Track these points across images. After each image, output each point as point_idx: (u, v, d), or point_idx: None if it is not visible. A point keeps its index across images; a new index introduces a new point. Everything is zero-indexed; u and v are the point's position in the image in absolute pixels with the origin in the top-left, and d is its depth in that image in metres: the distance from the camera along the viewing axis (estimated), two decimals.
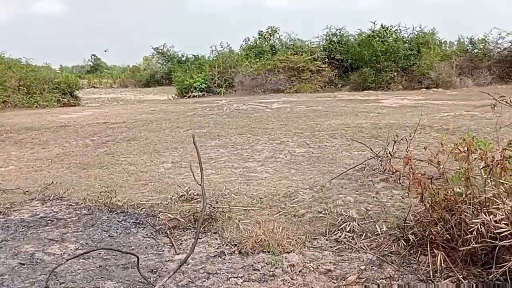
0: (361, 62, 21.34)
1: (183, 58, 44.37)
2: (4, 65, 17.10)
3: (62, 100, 18.88)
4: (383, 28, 22.22)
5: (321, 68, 20.94)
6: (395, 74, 19.66)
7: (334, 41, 22.63)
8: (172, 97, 22.59)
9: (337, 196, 3.96)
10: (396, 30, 21.88)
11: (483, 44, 20.99)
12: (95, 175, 5.12)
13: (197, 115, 9.82)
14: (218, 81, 21.35)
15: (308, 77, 20.47)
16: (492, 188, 2.72)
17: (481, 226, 2.46)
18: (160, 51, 46.89)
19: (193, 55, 40.86)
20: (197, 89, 20.88)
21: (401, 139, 4.69)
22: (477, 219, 2.50)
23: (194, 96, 20.60)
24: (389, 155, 4.66)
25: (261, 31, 24.99)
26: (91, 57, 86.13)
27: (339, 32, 22.93)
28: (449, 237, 2.72)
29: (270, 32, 25.06)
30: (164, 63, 47.07)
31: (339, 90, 21.05)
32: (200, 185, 3.20)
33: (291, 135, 7.00)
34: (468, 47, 21.37)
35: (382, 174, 4.65)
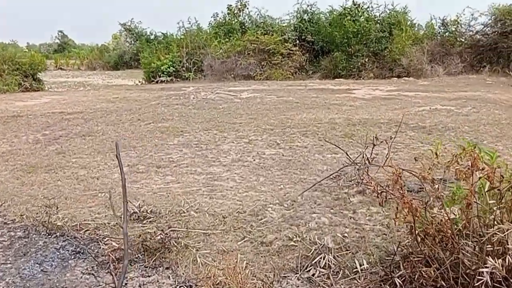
0: (332, 45, 20.80)
1: (152, 37, 43.08)
2: None
3: (24, 84, 17.76)
4: (355, 5, 21.63)
5: (292, 52, 20.40)
6: (367, 60, 19.28)
7: (305, 19, 21.94)
8: (140, 81, 21.70)
9: (310, 217, 3.52)
10: (368, 7, 21.35)
11: (455, 26, 20.56)
12: (40, 181, 4.52)
13: (161, 104, 9.19)
14: (187, 64, 20.56)
15: (279, 62, 19.90)
16: (500, 217, 2.27)
17: (489, 275, 2.04)
18: (127, 27, 45.24)
19: (162, 33, 39.67)
20: (165, 73, 20.05)
21: (380, 142, 4.26)
22: (485, 266, 2.06)
23: (162, 82, 19.79)
24: (366, 161, 4.23)
25: (230, 5, 24.10)
26: (58, 34, 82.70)
27: (310, 9, 22.23)
28: (444, 284, 2.31)
29: (240, 7, 24.16)
30: (133, 42, 45.62)
31: (310, 77, 20.62)
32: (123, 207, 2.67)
33: (260, 132, 6.52)
34: (440, 30, 20.99)
35: (358, 185, 4.24)
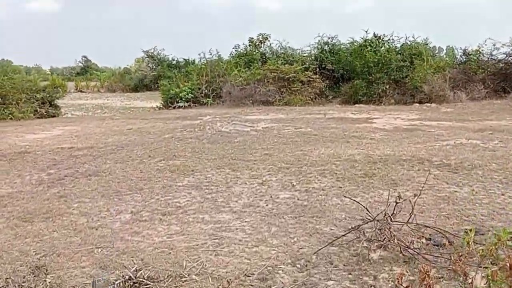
0: (352, 73, 20.58)
1: (174, 62, 43.71)
2: None
3: (40, 111, 17.85)
4: (376, 37, 21.51)
5: (312, 79, 20.14)
6: (387, 86, 18.89)
7: (325, 50, 21.88)
8: (157, 107, 21.65)
9: (325, 284, 3.08)
10: (389, 39, 21.21)
11: (477, 56, 20.31)
12: (35, 232, 4.20)
13: (175, 138, 8.90)
14: (206, 90, 20.45)
15: (298, 88, 19.65)
16: None
17: None
18: (150, 54, 46.17)
19: (184, 59, 40.13)
20: (183, 99, 19.96)
21: (403, 200, 3.81)
22: None
23: (179, 107, 19.68)
24: (388, 219, 3.78)
25: (252, 38, 24.17)
26: (82, 59, 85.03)
27: (331, 41, 22.20)
28: None
29: (261, 39, 24.24)
30: (154, 67, 46.32)
31: (330, 102, 20.27)
32: None
33: (275, 171, 6.12)
34: (462, 58, 20.69)
35: (379, 240, 3.78)
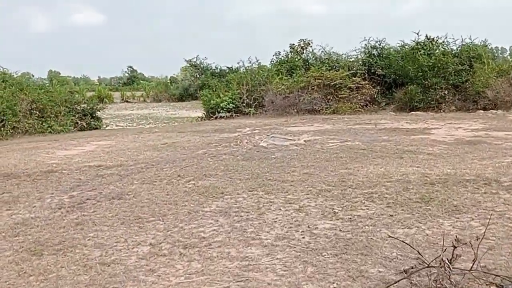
0: (405, 78, 19.66)
1: (217, 70, 44.10)
2: (15, 86, 16.46)
3: (80, 123, 18.17)
4: (428, 39, 20.48)
5: (361, 85, 19.40)
6: (446, 92, 17.87)
7: (374, 54, 21.07)
8: (200, 117, 21.61)
9: None
10: (444, 42, 20.13)
11: None
12: (41, 268, 3.91)
13: (208, 154, 8.56)
14: (247, 100, 20.17)
15: (346, 96, 18.96)
16: None
17: None
18: (193, 63, 46.87)
19: (227, 67, 40.38)
20: (224, 109, 19.76)
21: (462, 244, 3.20)
22: None
23: (221, 117, 19.50)
24: (446, 266, 3.17)
25: (293, 44, 23.73)
26: (128, 69, 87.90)
27: (379, 45, 21.35)
28: None
29: (303, 45, 23.75)
30: (198, 76, 46.94)
31: (383, 109, 19.46)
32: None
33: (314, 195, 5.60)
34: None
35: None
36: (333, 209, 5.07)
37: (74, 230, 4.81)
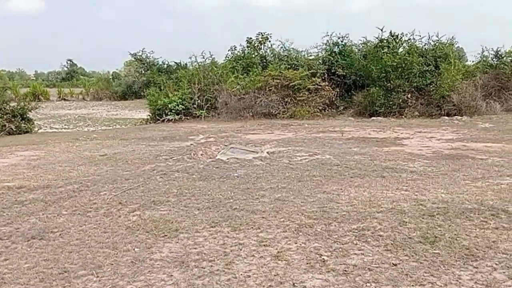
0: (367, 80, 19.12)
1: (164, 66, 42.38)
2: None
3: (9, 126, 16.36)
4: (392, 36, 20.01)
5: (320, 87, 18.69)
6: (409, 96, 17.44)
7: (335, 52, 20.38)
8: (144, 119, 20.19)
9: None
10: (409, 39, 19.69)
11: (511, 58, 18.86)
12: None
13: (157, 171, 7.38)
14: (198, 101, 18.98)
15: (305, 98, 18.20)
16: None
17: None
18: (138, 57, 44.88)
19: (175, 63, 38.86)
20: (173, 111, 18.48)
21: None
22: None
23: (169, 121, 18.21)
24: None
25: (250, 38, 22.66)
26: (67, 63, 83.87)
27: (341, 41, 20.69)
28: None
29: (261, 39, 22.75)
30: (143, 72, 45.00)
31: (341, 113, 18.87)
32: None
33: (294, 232, 4.61)
34: (493, 62, 19.19)
35: None
36: (321, 255, 4.09)
37: None
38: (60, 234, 4.73)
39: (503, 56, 18.92)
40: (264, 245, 4.30)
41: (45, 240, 4.60)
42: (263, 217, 5.02)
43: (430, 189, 5.99)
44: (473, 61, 20.28)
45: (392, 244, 4.27)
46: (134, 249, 4.29)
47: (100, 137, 12.45)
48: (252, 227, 4.74)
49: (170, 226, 4.82)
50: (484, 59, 19.33)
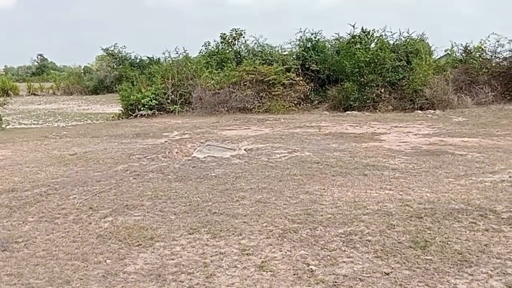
0: (340, 74, 18.97)
1: (137, 61, 41.58)
2: None
3: None
4: (364, 32, 19.95)
5: (295, 81, 18.44)
6: (382, 90, 17.34)
7: (308, 47, 20.18)
8: (117, 115, 19.55)
9: None
10: (381, 35, 19.67)
11: (479, 53, 19.01)
12: None
13: (130, 172, 6.94)
14: (172, 96, 18.46)
15: (280, 93, 17.91)
16: None
17: None
18: (110, 52, 43.92)
19: (148, 57, 38.02)
20: (146, 106, 17.91)
21: None
22: None
23: (142, 116, 17.65)
24: None
25: (224, 34, 22.27)
26: (38, 57, 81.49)
27: (315, 37, 20.52)
28: None
29: (235, 35, 22.38)
30: (115, 66, 44.08)
31: (316, 108, 18.67)
32: None
33: (277, 238, 4.28)
34: (462, 57, 19.31)
35: None
36: (308, 264, 3.77)
37: None
38: (25, 245, 4.28)
39: (472, 51, 19.02)
40: (247, 254, 3.96)
41: (9, 251, 4.15)
42: (244, 222, 4.67)
43: (414, 188, 5.76)
44: (439, 56, 20.43)
45: (381, 250, 3.99)
46: (106, 261, 3.90)
47: (71, 134, 11.85)
48: (233, 234, 4.39)
49: (145, 233, 4.43)
50: (454, 54, 19.43)
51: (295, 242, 4.18)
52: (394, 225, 4.52)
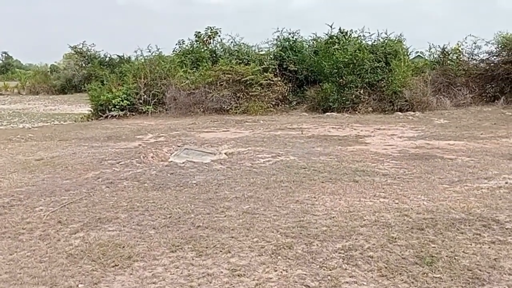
0: (319, 75, 18.75)
1: (106, 59, 40.70)
2: None
3: None
4: (342, 33, 19.82)
5: (272, 82, 18.11)
6: (361, 91, 17.18)
7: (286, 47, 19.89)
8: (86, 116, 18.80)
9: None
10: (359, 36, 19.54)
11: (456, 55, 19.13)
12: None
13: (103, 179, 6.44)
14: (145, 96, 17.86)
15: (257, 93, 17.55)
16: None
17: None
18: (78, 50, 42.94)
19: (118, 56, 37.15)
20: (117, 107, 17.26)
21: None
22: None
23: (112, 117, 17.00)
24: None
25: (199, 32, 21.77)
26: (2, 55, 79.05)
27: (292, 37, 20.25)
28: None
29: (210, 34, 21.91)
30: (84, 65, 43.12)
31: (294, 109, 18.39)
32: None
33: (271, 256, 3.91)
34: (440, 58, 19.39)
35: None
36: (307, 286, 3.42)
37: None
38: None
39: (449, 53, 19.13)
40: (238, 275, 3.57)
41: None
42: (232, 237, 4.28)
43: (410, 196, 5.47)
44: (412, 57, 20.61)
45: (386, 267, 3.67)
46: (77, 286, 3.45)
47: (37, 137, 11.20)
48: (220, 251, 4.00)
49: (122, 252, 3.99)
50: (432, 55, 19.54)
51: (291, 259, 3.82)
52: (395, 238, 4.21)
